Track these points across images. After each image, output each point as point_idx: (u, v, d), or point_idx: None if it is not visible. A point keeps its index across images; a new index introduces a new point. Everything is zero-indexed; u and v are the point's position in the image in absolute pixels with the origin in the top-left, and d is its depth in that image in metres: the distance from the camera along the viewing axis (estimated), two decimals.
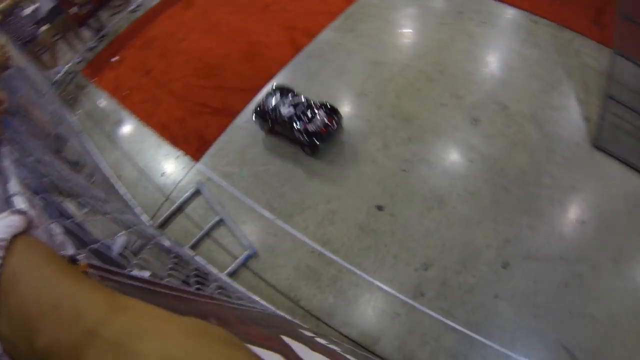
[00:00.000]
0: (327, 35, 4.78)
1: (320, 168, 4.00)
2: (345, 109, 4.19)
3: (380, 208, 3.71)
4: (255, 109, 4.24)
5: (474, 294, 3.36)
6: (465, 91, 4.19)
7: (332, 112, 4.03)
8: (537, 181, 3.71)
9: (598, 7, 5.83)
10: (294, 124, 4.00)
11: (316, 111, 4.01)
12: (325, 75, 4.37)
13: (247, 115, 4.42)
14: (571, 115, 4.27)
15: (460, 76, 4.32)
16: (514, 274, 3.42)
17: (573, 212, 3.69)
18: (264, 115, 4.16)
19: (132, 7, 6.46)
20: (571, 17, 5.68)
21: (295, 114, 4.00)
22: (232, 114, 4.52)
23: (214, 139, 4.43)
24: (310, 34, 4.83)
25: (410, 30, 5.03)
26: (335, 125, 3.99)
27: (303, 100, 4.09)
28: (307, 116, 3.99)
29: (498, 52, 4.83)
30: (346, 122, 4.13)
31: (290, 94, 4.16)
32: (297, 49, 4.73)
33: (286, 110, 4.02)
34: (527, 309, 3.31)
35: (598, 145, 4.00)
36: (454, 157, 3.82)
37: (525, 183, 3.71)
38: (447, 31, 4.91)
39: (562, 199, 3.68)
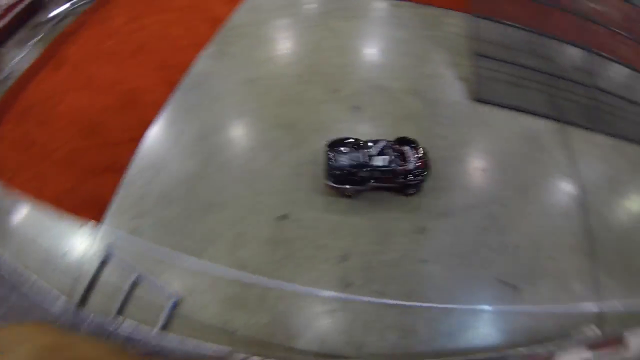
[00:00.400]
0: (200, 65, 4.75)
1: (215, 196, 3.88)
2: (231, 132, 4.15)
3: (284, 217, 3.66)
4: (332, 179, 3.56)
5: (400, 267, 3.39)
6: (342, 84, 4.29)
7: (408, 142, 3.65)
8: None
9: None
10: (396, 170, 3.53)
11: (401, 148, 3.61)
12: (205, 105, 4.33)
13: (138, 165, 4.19)
14: (447, 80, 4.52)
15: (334, 72, 4.42)
16: (433, 235, 3.50)
17: (472, 163, 3.88)
18: (349, 179, 3.54)
19: (1, 77, 6.07)
20: None
21: (391, 159, 3.53)
22: (122, 167, 4.27)
23: (111, 198, 4.15)
24: (183, 69, 4.78)
25: (282, 40, 5.09)
26: (422, 152, 3.61)
27: (384, 143, 3.62)
28: (399, 158, 3.56)
29: (368, 40, 5.04)
30: (233, 143, 4.10)
31: (362, 143, 3.64)
32: (172, 86, 4.64)
33: (380, 161, 3.50)
34: (455, 261, 3.40)
35: (478, 98, 4.27)
36: None
37: None
38: (317, 33, 5.02)
39: (457, 155, 3.85)
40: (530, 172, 3.96)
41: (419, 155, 3.59)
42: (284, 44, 4.98)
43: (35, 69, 5.88)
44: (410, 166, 3.49)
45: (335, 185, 3.54)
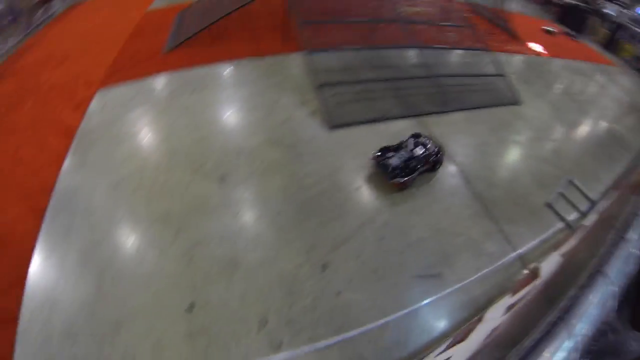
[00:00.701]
0: (63, 183, 4.43)
1: (118, 313, 3.68)
2: (112, 242, 3.98)
3: (192, 306, 3.53)
4: (398, 176, 4.02)
5: (319, 308, 3.36)
6: (202, 159, 4.25)
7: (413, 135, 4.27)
8: (301, 186, 3.86)
9: (280, 26, 6.77)
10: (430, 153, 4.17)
11: (416, 140, 4.22)
12: (80, 222, 4.03)
13: (29, 308, 3.69)
14: (300, 119, 4.64)
15: (192, 150, 4.37)
16: (337, 267, 3.53)
17: (346, 185, 3.92)
18: (406, 172, 4.05)
19: None
20: (264, 46, 6.38)
21: (421, 147, 4.17)
22: (12, 317, 3.43)
23: (11, 357, 3.76)
24: (47, 191, 4.43)
25: (137, 132, 5.06)
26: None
27: (411, 140, 4.24)
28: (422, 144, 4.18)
29: (215, 108, 5.04)
30: (118, 252, 3.97)
31: (396, 145, 4.21)
32: (41, 213, 4.21)
33: (419, 150, 4.15)
34: (369, 279, 3.39)
35: (333, 125, 4.42)
36: (220, 220, 3.78)
37: (293, 196, 3.83)
38: (167, 117, 4.99)
39: (331, 184, 3.88)
40: None
41: (425, 139, 4.19)
42: (140, 136, 4.86)
43: None
44: (433, 147, 4.13)
45: (404, 179, 3.98)
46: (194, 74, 5.83)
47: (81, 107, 5.72)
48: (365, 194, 3.91)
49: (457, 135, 4.87)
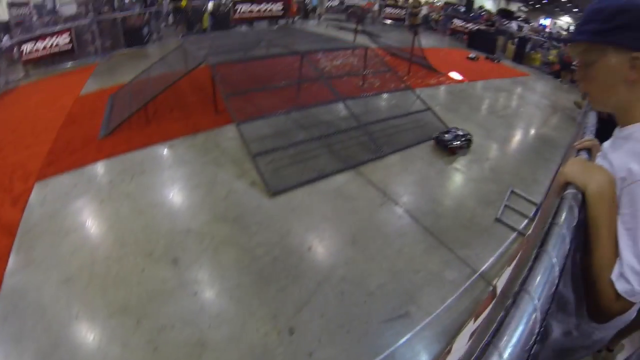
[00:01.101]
0: (8, 284, 4.01)
1: None
2: (70, 343, 3.68)
3: None
4: (452, 146, 5.68)
5: None
6: (151, 245, 4.13)
7: None
8: (253, 257, 3.81)
9: (210, 102, 6.90)
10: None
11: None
12: (31, 327, 3.73)
13: None
14: (240, 193, 4.65)
15: (139, 237, 4.24)
16: (304, 328, 3.44)
17: (298, 248, 3.90)
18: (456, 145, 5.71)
19: None
20: (198, 123, 6.47)
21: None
22: None
23: None
24: None
25: (82, 225, 4.89)
26: None
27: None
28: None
29: (157, 192, 4.99)
30: (78, 353, 3.70)
31: (450, 130, 5.89)
32: None
33: (460, 131, 5.86)
34: (337, 334, 3.32)
35: (273, 192, 4.44)
36: (179, 303, 3.71)
37: (248, 267, 3.78)
38: (109, 206, 4.84)
39: (282, 249, 3.85)
40: (354, 222, 4.20)
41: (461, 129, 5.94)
42: (85, 227, 4.65)
43: None
44: (465, 132, 5.89)
45: (456, 144, 5.61)
46: (131, 158, 5.76)
47: (20, 201, 5.49)
48: (317, 252, 3.89)
49: (397, 177, 5.02)
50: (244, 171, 4.98)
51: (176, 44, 15.21)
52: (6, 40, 17.42)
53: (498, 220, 4.47)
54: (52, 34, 15.13)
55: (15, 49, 16.52)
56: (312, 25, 18.55)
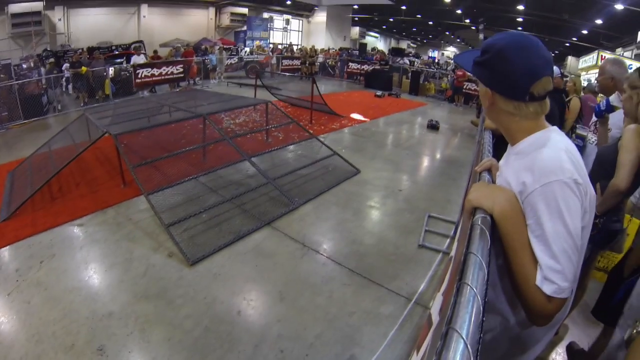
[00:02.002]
0: None
1: None
2: None
3: None
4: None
5: None
6: (72, 336, 3.76)
7: None
8: (183, 331, 3.62)
9: (117, 174, 6.67)
10: None
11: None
12: None
13: None
14: (159, 267, 4.48)
15: (57, 330, 3.84)
16: None
17: (227, 314, 3.80)
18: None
19: None
20: (106, 197, 6.18)
21: None
22: None
23: None
24: None
25: None
26: None
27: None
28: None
29: (69, 277, 4.55)
30: None
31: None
32: None
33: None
34: None
35: (192, 261, 4.35)
36: None
37: (179, 343, 3.56)
38: (19, 299, 4.35)
39: (212, 318, 3.73)
40: (278, 277, 4.20)
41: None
42: None
43: None
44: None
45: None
46: (38, 242, 5.27)
47: None
48: (248, 315, 3.81)
49: (313, 226, 5.11)
50: (160, 243, 4.82)
51: (78, 113, 14.63)
52: None
53: (421, 246, 4.72)
54: None
55: None
56: (213, 84, 18.89)
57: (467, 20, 35.95)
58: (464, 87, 16.17)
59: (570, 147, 1.28)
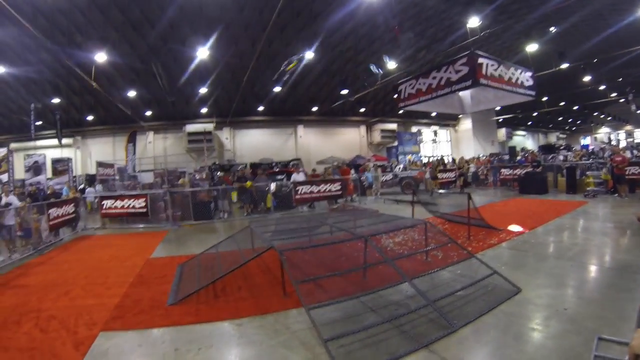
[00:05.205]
0: None
1: None
2: None
3: None
4: None
5: None
6: None
7: None
8: None
9: (278, 284, 7.20)
10: None
11: None
12: None
13: None
14: None
15: None
16: None
17: None
18: None
19: None
20: (266, 304, 6.62)
21: None
22: None
23: None
24: None
25: None
26: None
27: None
28: None
29: None
30: None
31: None
32: None
33: None
34: None
35: None
36: None
37: None
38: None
39: None
40: None
41: None
42: None
43: None
44: None
45: None
46: (199, 330, 5.85)
47: (82, 347, 5.61)
48: None
49: (472, 351, 4.81)
50: (315, 356, 4.95)
51: (240, 221, 16.52)
52: (89, 192, 19.96)
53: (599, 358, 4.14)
54: (130, 196, 17.26)
55: (96, 201, 18.73)
56: (370, 201, 19.75)
57: (614, 95, 32.79)
58: (627, 173, 14.24)
59: None
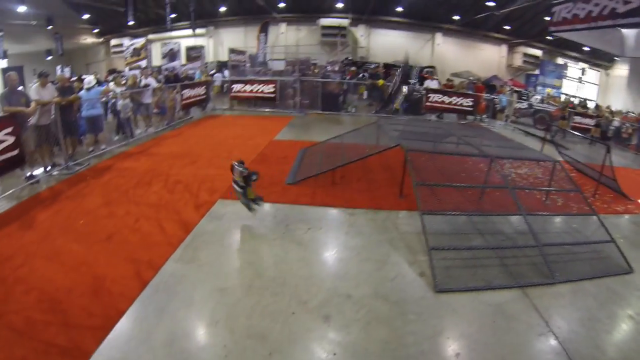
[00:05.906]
0: (171, 266, 4.90)
1: None
2: (201, 339, 4.03)
3: None
4: None
5: None
6: (309, 295, 4.56)
7: None
8: (401, 344, 3.99)
9: (398, 184, 7.54)
10: None
11: None
12: (175, 308, 4.28)
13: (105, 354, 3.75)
14: (409, 278, 5.00)
15: (300, 283, 4.74)
16: None
17: (445, 350, 4.00)
18: None
19: None
20: (381, 200, 7.13)
21: None
22: (84, 354, 3.68)
23: None
24: (155, 267, 4.86)
25: (248, 251, 5.44)
26: None
27: None
28: None
29: (328, 251, 5.55)
30: (204, 351, 3.88)
31: None
32: (143, 282, 4.62)
33: None
34: None
35: (439, 289, 4.77)
36: (315, 355, 3.83)
37: (393, 351, 3.91)
38: (280, 245, 5.51)
39: (431, 345, 4.00)
40: (507, 343, 4.09)
41: None
42: (253, 255, 5.34)
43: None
44: None
45: None
46: (312, 212, 6.51)
47: (202, 209, 6.54)
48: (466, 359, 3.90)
49: (563, 310, 4.69)
50: (416, 260, 5.33)
51: (367, 118, 16.78)
52: (218, 76, 21.68)
53: None
54: (260, 82, 18.44)
55: (226, 85, 20.32)
56: (498, 126, 18.54)
57: None
58: None
59: None
